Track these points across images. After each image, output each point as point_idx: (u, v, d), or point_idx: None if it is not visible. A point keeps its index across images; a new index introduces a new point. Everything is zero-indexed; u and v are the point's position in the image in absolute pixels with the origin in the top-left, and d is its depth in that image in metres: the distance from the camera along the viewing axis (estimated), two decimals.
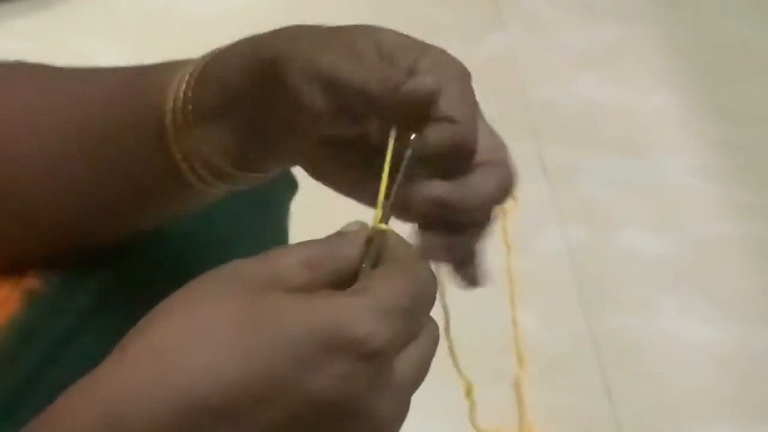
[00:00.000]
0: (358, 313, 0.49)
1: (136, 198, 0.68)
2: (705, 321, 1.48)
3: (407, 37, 0.59)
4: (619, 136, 1.73)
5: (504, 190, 0.60)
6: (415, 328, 0.52)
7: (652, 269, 1.54)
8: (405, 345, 0.51)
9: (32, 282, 0.70)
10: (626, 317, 1.47)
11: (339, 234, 0.54)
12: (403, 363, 0.51)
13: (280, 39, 0.61)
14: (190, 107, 0.63)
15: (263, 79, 0.60)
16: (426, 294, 0.53)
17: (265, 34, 0.63)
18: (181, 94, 0.63)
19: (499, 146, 0.60)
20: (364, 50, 0.58)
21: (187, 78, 0.63)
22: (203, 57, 0.64)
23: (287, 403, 0.49)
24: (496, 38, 1.80)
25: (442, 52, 0.59)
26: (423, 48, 0.59)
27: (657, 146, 1.74)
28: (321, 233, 0.54)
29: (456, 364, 0.60)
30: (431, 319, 0.53)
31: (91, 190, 0.67)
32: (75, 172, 0.67)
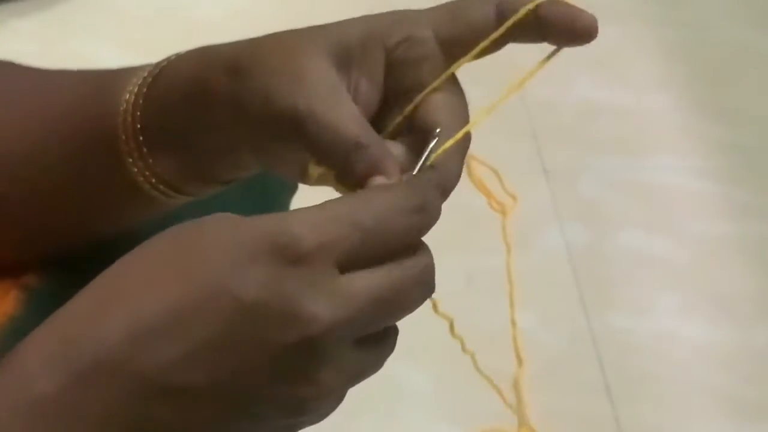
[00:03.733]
0: (294, 220, 0.50)
1: (97, 207, 0.67)
2: (705, 321, 1.48)
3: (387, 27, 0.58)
4: (619, 137, 1.73)
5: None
6: (377, 251, 0.51)
7: (651, 269, 1.54)
8: (363, 262, 0.51)
9: (31, 279, 0.70)
10: (626, 317, 1.47)
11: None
12: (357, 279, 0.51)
13: (226, 72, 0.59)
14: (138, 126, 0.62)
15: (209, 106, 0.59)
16: (400, 220, 0.52)
17: (210, 55, 0.60)
18: (129, 113, 0.62)
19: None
20: (321, 84, 0.57)
21: (135, 93, 0.62)
22: (152, 69, 0.62)
23: (219, 309, 0.50)
24: None
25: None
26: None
27: (656, 147, 1.73)
28: None
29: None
30: (421, 248, 0.53)
31: (53, 197, 0.67)
32: (36, 180, 0.67)
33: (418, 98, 0.57)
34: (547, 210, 1.59)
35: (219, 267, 0.50)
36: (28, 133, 0.66)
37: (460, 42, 0.57)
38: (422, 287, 0.53)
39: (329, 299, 0.50)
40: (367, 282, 0.51)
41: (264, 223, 0.51)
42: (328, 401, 0.52)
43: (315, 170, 0.56)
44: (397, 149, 0.57)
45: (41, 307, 0.69)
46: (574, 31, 0.57)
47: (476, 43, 0.57)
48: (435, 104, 0.58)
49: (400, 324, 0.54)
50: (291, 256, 0.50)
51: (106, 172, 0.64)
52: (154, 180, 0.62)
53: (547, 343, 1.41)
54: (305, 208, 0.51)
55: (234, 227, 0.51)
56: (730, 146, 1.73)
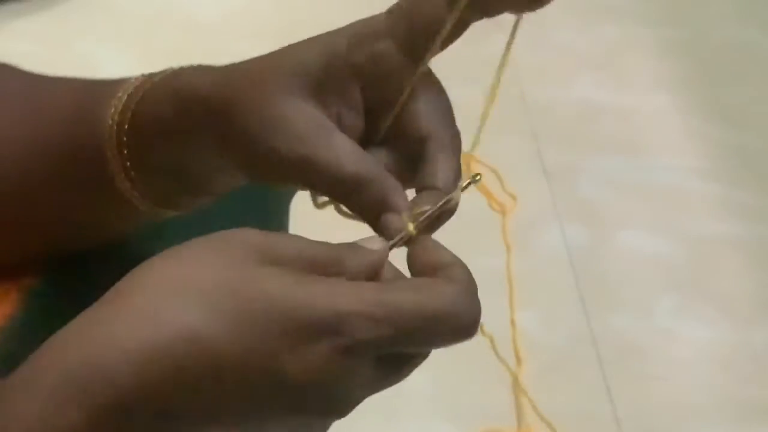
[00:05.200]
0: (351, 301, 0.48)
1: (88, 216, 0.66)
2: (705, 321, 1.48)
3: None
4: (619, 137, 1.73)
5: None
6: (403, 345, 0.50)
7: (651, 269, 1.54)
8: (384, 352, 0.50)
9: (30, 280, 0.70)
10: (626, 317, 1.47)
11: (353, 245, 0.52)
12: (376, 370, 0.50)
13: (202, 112, 0.58)
14: (127, 163, 0.62)
15: (194, 141, 0.58)
16: (443, 319, 0.50)
17: (182, 96, 0.59)
18: (114, 139, 0.62)
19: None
20: (308, 125, 0.55)
21: (118, 120, 0.61)
22: (127, 103, 0.61)
23: (259, 376, 0.48)
24: (496, 39, 1.79)
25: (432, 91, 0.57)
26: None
27: (656, 147, 1.73)
28: (321, 234, 0.54)
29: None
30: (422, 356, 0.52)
31: (45, 207, 0.66)
32: (29, 187, 0.66)
33: (395, 109, 0.56)
34: (547, 210, 1.59)
35: (276, 332, 0.48)
36: (17, 138, 0.66)
37: (421, 39, 0.56)
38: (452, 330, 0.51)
39: (357, 391, 0.50)
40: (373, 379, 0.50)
41: (325, 293, 0.49)
42: (333, 417, 0.51)
43: (320, 199, 0.56)
44: (390, 158, 0.57)
45: (41, 308, 0.69)
46: None
47: (435, 35, 0.56)
48: (419, 110, 0.57)
49: None
50: (344, 345, 0.48)
51: (93, 184, 0.63)
52: (138, 195, 0.62)
53: (547, 343, 1.41)
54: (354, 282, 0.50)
55: (295, 285, 0.49)
56: (730, 147, 1.73)
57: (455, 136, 0.57)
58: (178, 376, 0.47)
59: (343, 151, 0.55)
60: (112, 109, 0.61)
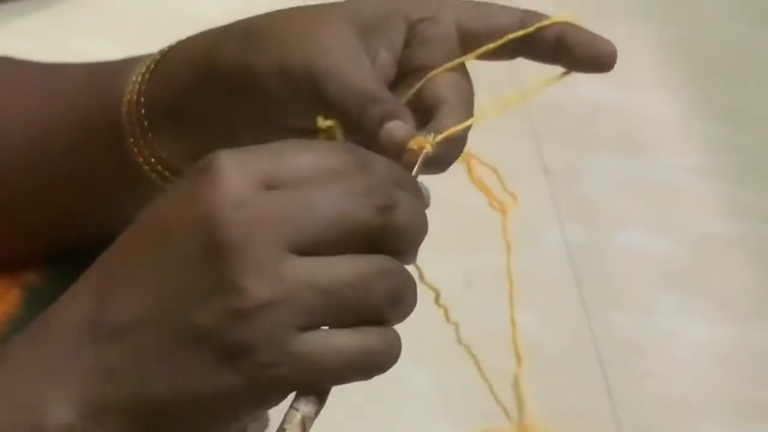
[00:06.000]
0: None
1: (101, 197, 0.67)
2: (705, 320, 1.48)
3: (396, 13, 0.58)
4: (620, 137, 1.73)
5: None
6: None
7: (652, 268, 1.54)
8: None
9: (31, 278, 0.70)
10: (626, 316, 1.47)
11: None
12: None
13: (236, 42, 0.59)
14: (142, 111, 0.62)
15: (217, 84, 0.59)
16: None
17: (218, 31, 0.61)
18: (134, 99, 0.62)
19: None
20: (341, 47, 0.56)
21: (139, 80, 0.62)
22: (155, 56, 0.63)
23: (138, 233, 0.50)
24: None
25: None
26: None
27: (657, 146, 1.73)
28: None
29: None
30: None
31: (57, 189, 0.67)
32: (40, 171, 0.67)
33: (432, 73, 0.57)
34: (547, 209, 1.58)
35: (150, 204, 0.50)
36: (31, 124, 0.66)
37: (478, 38, 0.58)
38: (371, 198, 0.49)
39: (238, 195, 0.48)
40: (296, 193, 0.48)
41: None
42: (273, 321, 0.48)
43: (323, 123, 0.55)
44: None
45: (42, 306, 0.68)
46: (593, 60, 0.58)
47: (488, 42, 0.57)
48: (442, 82, 0.58)
49: (402, 325, 0.52)
50: (204, 165, 0.49)
51: (107, 158, 0.64)
52: (153, 160, 0.62)
53: (547, 342, 1.41)
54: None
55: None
56: (731, 146, 1.73)
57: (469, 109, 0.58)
58: None
59: (366, 73, 0.56)
60: (136, 70, 0.63)
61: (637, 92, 1.81)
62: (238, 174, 0.48)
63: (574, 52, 0.58)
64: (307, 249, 0.48)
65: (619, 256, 1.55)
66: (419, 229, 0.50)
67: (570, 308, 1.47)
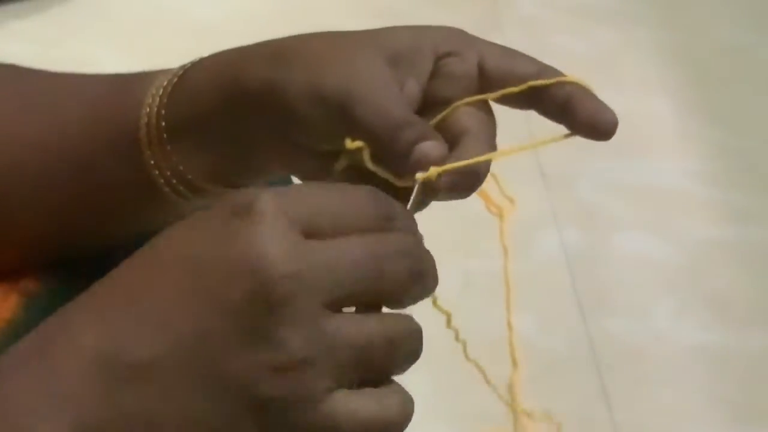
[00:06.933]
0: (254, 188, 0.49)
1: (113, 211, 0.67)
2: (702, 324, 1.48)
3: (426, 43, 0.59)
4: (617, 140, 1.72)
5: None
6: (347, 220, 0.49)
7: (649, 272, 1.54)
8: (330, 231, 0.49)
9: (30, 284, 0.70)
10: (623, 320, 1.47)
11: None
12: (323, 244, 0.48)
13: (266, 62, 0.59)
14: (162, 124, 0.62)
15: (242, 102, 0.59)
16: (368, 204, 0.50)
17: (245, 50, 0.61)
18: (154, 111, 0.62)
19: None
20: (374, 74, 0.57)
21: (160, 93, 0.62)
22: (177, 70, 0.63)
23: (164, 268, 0.49)
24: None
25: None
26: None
27: (654, 150, 1.74)
28: None
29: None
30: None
31: (69, 202, 0.67)
32: (52, 184, 0.66)
33: (457, 103, 0.58)
34: (544, 213, 1.59)
35: (177, 234, 0.49)
36: (44, 138, 0.66)
37: (497, 81, 0.59)
38: (405, 258, 0.50)
39: (283, 250, 0.47)
40: (336, 248, 0.48)
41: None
42: (314, 376, 0.47)
43: (351, 144, 0.55)
44: None
45: (41, 312, 0.68)
46: (592, 128, 0.59)
47: (506, 87, 0.59)
48: (466, 113, 0.58)
49: None
50: (242, 209, 0.48)
51: (121, 169, 0.64)
52: (169, 174, 0.62)
53: (544, 346, 1.41)
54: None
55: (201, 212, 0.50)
56: (727, 149, 1.73)
57: (491, 142, 0.58)
58: None
59: (399, 99, 0.56)
60: (156, 83, 0.62)
61: (633, 96, 1.81)
62: (281, 222, 0.47)
63: (578, 116, 0.59)
64: (341, 304, 0.49)
65: (616, 260, 1.55)
66: (433, 286, 0.52)
67: (567, 312, 1.47)
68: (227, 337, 0.47)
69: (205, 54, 0.63)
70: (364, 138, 0.56)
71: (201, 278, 0.47)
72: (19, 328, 0.67)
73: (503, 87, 0.59)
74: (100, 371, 0.48)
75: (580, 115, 0.58)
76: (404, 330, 0.50)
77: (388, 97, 0.56)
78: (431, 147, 0.55)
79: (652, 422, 1.37)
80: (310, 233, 0.48)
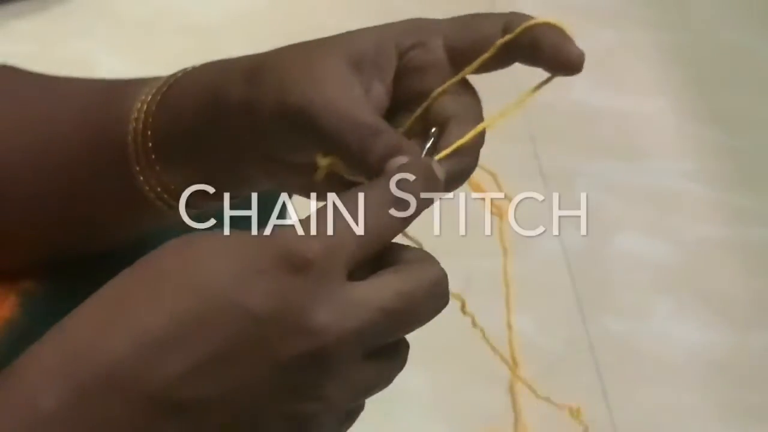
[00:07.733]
0: (297, 229, 0.50)
1: (105, 220, 0.67)
2: (701, 324, 1.48)
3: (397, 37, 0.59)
4: (616, 141, 1.73)
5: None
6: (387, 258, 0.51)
7: (648, 273, 1.54)
8: (372, 268, 0.51)
9: (29, 284, 0.70)
10: (623, 321, 1.47)
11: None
12: (367, 287, 0.51)
13: (241, 80, 0.59)
14: (149, 145, 0.62)
15: (223, 122, 0.59)
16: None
17: (226, 65, 0.61)
18: (140, 129, 0.62)
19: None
20: (335, 82, 0.57)
21: (144, 110, 0.62)
22: (161, 86, 0.62)
23: (225, 321, 0.49)
24: None
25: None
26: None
27: (653, 150, 1.74)
28: None
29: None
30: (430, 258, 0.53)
31: (60, 210, 0.66)
32: (43, 189, 0.66)
33: (433, 94, 0.57)
34: (544, 213, 1.58)
35: (225, 278, 0.49)
36: (35, 140, 0.66)
37: (468, 53, 0.58)
38: (435, 299, 0.52)
39: (338, 309, 0.49)
40: (377, 291, 0.50)
41: (267, 235, 0.50)
42: (333, 417, 0.52)
43: (323, 161, 0.55)
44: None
45: (39, 312, 0.69)
46: (558, 60, 0.58)
47: (480, 53, 0.58)
48: (447, 101, 0.58)
49: None
50: (298, 264, 0.49)
51: (111, 180, 0.64)
52: (159, 189, 0.62)
53: (544, 346, 1.41)
54: (307, 217, 0.51)
55: (237, 239, 0.50)
56: (726, 150, 1.73)
57: (478, 121, 0.58)
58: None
59: (364, 105, 0.56)
60: (142, 96, 0.62)
61: (633, 96, 1.81)
62: (338, 278, 0.50)
63: (544, 53, 0.58)
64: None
65: (615, 260, 1.55)
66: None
67: (567, 312, 1.47)
68: (275, 387, 0.50)
69: (205, 54, 0.63)
70: (335, 150, 0.56)
71: (260, 333, 0.49)
72: (18, 328, 0.68)
73: (478, 56, 0.58)
74: (143, 405, 0.49)
75: (546, 51, 0.57)
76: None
77: (353, 104, 0.56)
78: (402, 162, 0.55)
79: (652, 422, 1.37)
80: (356, 275, 0.51)
